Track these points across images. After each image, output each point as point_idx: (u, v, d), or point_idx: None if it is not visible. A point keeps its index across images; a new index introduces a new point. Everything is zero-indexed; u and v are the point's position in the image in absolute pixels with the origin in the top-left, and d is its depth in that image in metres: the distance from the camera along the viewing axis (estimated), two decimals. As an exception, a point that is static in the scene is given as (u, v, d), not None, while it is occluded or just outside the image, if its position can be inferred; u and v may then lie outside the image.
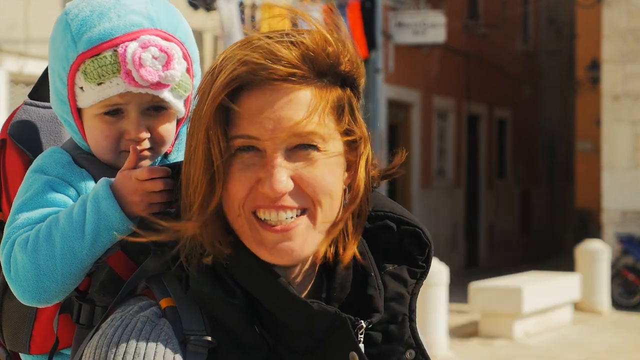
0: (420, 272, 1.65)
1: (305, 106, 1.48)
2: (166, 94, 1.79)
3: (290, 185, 1.48)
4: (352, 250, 1.58)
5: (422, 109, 20.56)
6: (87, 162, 1.83)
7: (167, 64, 1.76)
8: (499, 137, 24.60)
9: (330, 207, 1.52)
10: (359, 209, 1.58)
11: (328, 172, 1.51)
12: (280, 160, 1.47)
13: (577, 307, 15.43)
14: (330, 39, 1.51)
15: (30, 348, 1.86)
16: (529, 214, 26.31)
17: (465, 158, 22.60)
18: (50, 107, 1.96)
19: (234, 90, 1.48)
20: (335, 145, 1.52)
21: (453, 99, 21.89)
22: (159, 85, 1.76)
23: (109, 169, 1.82)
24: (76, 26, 1.78)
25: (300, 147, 1.49)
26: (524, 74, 25.44)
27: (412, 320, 1.61)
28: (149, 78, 1.74)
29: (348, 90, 1.54)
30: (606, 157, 18.08)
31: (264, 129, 1.47)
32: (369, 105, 15.71)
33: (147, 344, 1.46)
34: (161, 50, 1.76)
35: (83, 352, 1.52)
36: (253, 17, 13.50)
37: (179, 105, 1.82)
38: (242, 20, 13.26)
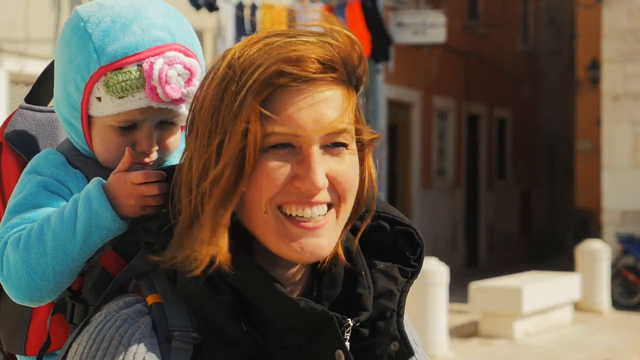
0: (412, 272, 1.66)
1: (338, 105, 1.51)
2: (184, 110, 1.81)
3: (327, 182, 1.50)
4: (340, 251, 1.60)
5: (422, 109, 20.57)
6: (82, 163, 1.84)
7: (189, 81, 1.78)
8: (499, 137, 24.61)
9: (351, 204, 1.56)
10: (359, 212, 1.61)
11: (354, 170, 1.54)
12: (318, 156, 1.49)
13: (577, 307, 15.43)
14: (356, 40, 1.54)
15: (25, 349, 1.86)
16: (529, 214, 26.31)
17: (465, 158, 22.61)
18: (47, 111, 1.97)
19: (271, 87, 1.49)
20: (354, 144, 1.55)
21: (453, 99, 21.89)
22: (180, 101, 1.79)
23: (103, 170, 1.82)
24: (99, 37, 1.77)
25: (333, 145, 1.51)
26: (524, 74, 25.44)
27: (399, 315, 1.62)
28: (173, 95, 1.76)
29: (356, 94, 1.57)
30: (606, 157, 18.08)
31: (303, 126, 1.48)
32: (369, 105, 15.72)
33: (120, 342, 1.47)
34: (185, 67, 1.77)
35: (70, 344, 1.54)
36: (252, 17, 13.49)
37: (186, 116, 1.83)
38: (241, 20, 13.26)
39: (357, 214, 1.60)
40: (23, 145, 1.91)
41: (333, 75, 1.51)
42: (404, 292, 1.63)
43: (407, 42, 18.46)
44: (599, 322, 14.95)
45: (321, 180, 1.49)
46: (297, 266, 1.57)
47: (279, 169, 1.49)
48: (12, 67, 11.14)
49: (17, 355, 1.91)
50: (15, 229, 1.75)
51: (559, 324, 14.30)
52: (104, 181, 1.73)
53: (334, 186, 1.52)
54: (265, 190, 1.49)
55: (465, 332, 13.53)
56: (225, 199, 1.49)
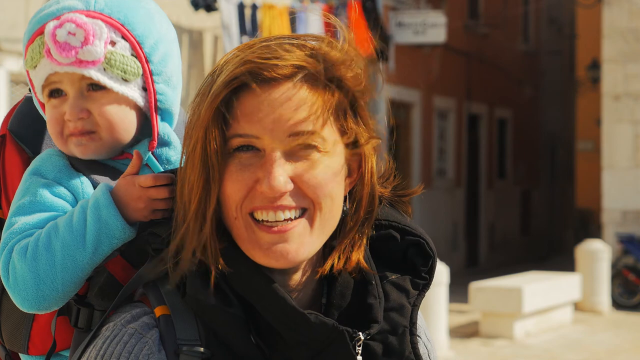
0: (423, 284, 1.62)
1: (305, 106, 1.47)
2: (94, 73, 1.74)
3: (289, 185, 1.47)
4: (355, 258, 1.56)
5: (423, 109, 20.56)
6: (84, 166, 1.82)
7: (85, 41, 1.73)
8: (500, 137, 24.60)
9: (330, 210, 1.51)
10: (363, 217, 1.56)
11: (329, 174, 1.49)
12: (279, 158, 1.46)
13: (577, 307, 15.42)
14: (335, 43, 1.51)
15: (28, 349, 1.85)
16: (529, 214, 26.30)
17: (466, 158, 22.60)
18: None
19: (234, 90, 1.47)
20: (336, 148, 1.50)
21: (453, 99, 21.88)
22: (82, 62, 1.73)
23: (106, 172, 1.81)
24: (31, 21, 1.80)
25: (300, 148, 1.48)
26: (524, 73, 25.43)
27: (412, 333, 1.58)
28: (65, 54, 1.72)
29: (351, 95, 1.52)
30: (607, 157, 18.08)
31: (263, 127, 1.46)
32: (369, 105, 15.68)
33: (128, 359, 1.46)
34: (78, 26, 1.72)
35: (79, 358, 1.53)
36: (253, 18, 13.49)
37: (118, 87, 1.76)
38: (242, 20, 13.26)
39: (359, 221, 1.56)
40: (28, 137, 1.89)
41: (301, 75, 1.47)
42: (415, 306, 1.60)
43: (407, 42, 18.45)
44: (599, 322, 14.95)
45: (279, 183, 1.45)
46: (297, 273, 1.54)
47: (242, 173, 1.47)
48: (12, 67, 11.13)
49: (20, 354, 1.89)
50: (20, 235, 1.73)
51: (559, 324, 14.29)
52: (112, 187, 1.71)
53: (303, 190, 1.48)
54: (231, 195, 1.48)
55: (465, 332, 13.53)
56: (200, 203, 1.48)
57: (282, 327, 1.49)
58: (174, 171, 1.69)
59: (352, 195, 1.56)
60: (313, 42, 1.50)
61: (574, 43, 29.60)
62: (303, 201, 1.48)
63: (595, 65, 24.33)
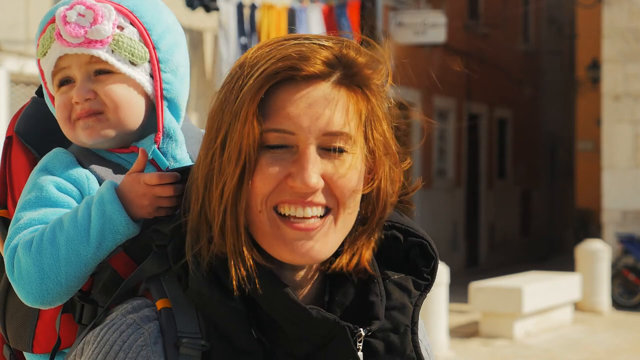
0: (425, 285, 1.63)
1: (340, 107, 1.49)
2: (102, 53, 1.79)
3: (321, 183, 1.49)
4: (365, 259, 1.57)
5: (423, 109, 20.56)
6: (92, 163, 1.83)
7: (94, 21, 1.79)
8: (500, 137, 24.60)
9: (353, 210, 1.53)
10: (377, 219, 1.58)
11: (354, 176, 1.51)
12: (314, 156, 1.48)
13: (577, 307, 15.43)
14: (365, 50, 1.54)
15: (33, 347, 1.86)
16: (529, 214, 26.30)
17: (466, 158, 22.60)
18: None
19: (271, 85, 1.49)
20: (359, 150, 1.53)
21: (453, 98, 21.89)
22: (90, 42, 1.78)
23: (113, 169, 1.82)
24: (44, 14, 1.84)
25: (332, 147, 1.50)
26: (524, 73, 25.44)
27: (414, 332, 1.59)
28: (75, 33, 1.77)
29: (373, 101, 1.55)
30: (607, 157, 18.08)
31: (300, 124, 1.48)
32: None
33: (121, 347, 1.48)
34: (87, 7, 1.78)
35: (78, 346, 1.55)
36: (252, 18, 13.49)
37: (125, 68, 1.81)
38: (240, 21, 13.25)
39: (373, 223, 1.57)
40: (34, 139, 1.91)
41: (337, 76, 1.50)
42: (417, 306, 1.61)
43: (407, 42, 18.45)
44: (599, 322, 14.95)
45: (313, 179, 1.47)
46: (305, 269, 1.55)
47: (273, 167, 1.48)
48: (12, 67, 11.14)
49: (24, 353, 1.90)
50: (26, 230, 1.74)
51: (559, 324, 14.30)
52: (117, 184, 1.72)
53: (331, 189, 1.50)
54: (259, 189, 1.48)
55: (465, 332, 13.53)
56: (234, 198, 1.49)
57: (284, 322, 1.50)
58: (179, 170, 1.70)
59: (366, 198, 1.57)
60: (338, 45, 1.52)
61: (574, 43, 29.60)
62: (330, 200, 1.50)
63: (595, 65, 24.33)
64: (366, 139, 1.54)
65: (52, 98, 1.86)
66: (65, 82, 1.82)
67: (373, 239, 1.58)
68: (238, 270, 1.49)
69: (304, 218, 1.49)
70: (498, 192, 24.29)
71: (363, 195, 1.56)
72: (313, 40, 1.52)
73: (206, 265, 1.51)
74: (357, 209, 1.55)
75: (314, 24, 13.53)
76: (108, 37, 1.78)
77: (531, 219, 26.44)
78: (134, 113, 1.82)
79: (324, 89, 1.49)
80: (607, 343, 13.06)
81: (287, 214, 1.49)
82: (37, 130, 1.92)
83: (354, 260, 1.56)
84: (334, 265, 1.56)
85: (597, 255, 15.73)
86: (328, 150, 1.50)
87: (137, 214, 1.70)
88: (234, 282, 1.49)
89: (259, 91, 1.48)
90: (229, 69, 1.56)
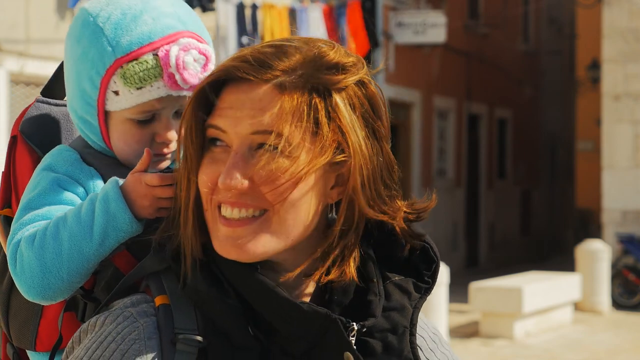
0: (425, 288, 1.63)
1: (276, 109, 1.48)
2: None
3: (243, 184, 1.48)
4: (349, 271, 1.54)
5: (423, 109, 20.57)
6: (96, 160, 1.84)
7: (205, 66, 1.79)
8: (500, 137, 24.61)
9: (291, 215, 1.50)
10: (354, 229, 1.54)
11: (289, 179, 1.48)
12: (239, 156, 1.48)
13: (577, 307, 15.43)
14: (340, 49, 1.52)
15: (36, 345, 1.86)
16: (529, 214, 26.31)
17: (466, 158, 22.61)
18: (63, 105, 1.96)
19: (219, 86, 1.51)
20: (307, 154, 1.49)
21: (453, 98, 21.89)
22: (192, 87, 1.79)
23: (117, 167, 1.83)
24: (111, 29, 1.77)
25: (264, 147, 1.48)
26: (524, 73, 25.44)
27: (412, 334, 1.59)
28: (192, 80, 1.76)
29: (331, 105, 1.50)
30: (606, 157, 18.09)
31: (230, 122, 1.49)
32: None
33: (114, 339, 1.49)
34: (200, 52, 1.78)
35: (75, 334, 1.56)
36: (254, 18, 13.49)
37: None
38: (241, 21, 13.25)
39: (354, 232, 1.54)
40: (38, 139, 1.90)
41: (276, 78, 1.48)
42: (416, 309, 1.61)
43: (407, 42, 18.46)
44: (599, 322, 14.95)
45: (230, 180, 1.47)
46: (286, 271, 1.54)
47: (210, 166, 1.51)
48: (12, 67, 11.14)
49: (27, 351, 1.91)
50: (29, 226, 1.75)
51: (559, 324, 14.30)
52: (122, 181, 1.73)
53: (261, 191, 1.48)
54: (201, 187, 1.52)
55: (465, 332, 13.54)
56: (187, 192, 1.53)
57: (278, 320, 1.50)
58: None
59: (339, 207, 1.54)
60: (300, 47, 1.51)
61: (574, 43, 29.61)
62: (262, 202, 1.49)
63: (595, 65, 24.34)
64: (320, 141, 1.49)
65: (102, 114, 1.81)
66: (152, 119, 1.80)
67: (352, 251, 1.55)
68: (216, 266, 1.52)
69: (231, 217, 1.50)
70: (498, 192, 24.29)
71: (337, 203, 1.54)
72: (270, 44, 1.52)
73: (196, 261, 1.53)
74: (307, 215, 1.51)
75: (314, 23, 13.54)
76: None
77: (531, 219, 26.45)
78: None
79: (263, 91, 1.49)
80: (607, 343, 13.06)
81: (223, 214, 1.51)
82: (41, 130, 1.91)
83: (336, 273, 1.53)
84: (313, 276, 1.54)
85: (597, 255, 15.73)
86: (261, 149, 1.48)
87: (139, 213, 1.71)
88: (182, 270, 1.52)
89: (200, 89, 1.51)
90: None
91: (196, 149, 1.51)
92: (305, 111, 1.49)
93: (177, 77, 1.76)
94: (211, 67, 1.79)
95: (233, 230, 1.49)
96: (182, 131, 1.53)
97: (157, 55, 1.77)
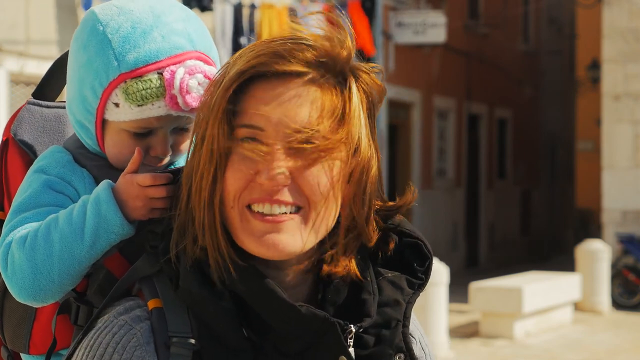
0: (419, 284, 1.63)
1: (312, 105, 1.49)
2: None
3: (287, 179, 1.48)
4: (352, 265, 1.56)
5: (423, 109, 20.57)
6: (89, 161, 1.83)
7: (206, 90, 1.78)
8: (500, 137, 24.60)
9: (326, 210, 1.51)
10: (360, 224, 1.56)
11: (327, 175, 1.50)
12: (280, 152, 1.48)
13: (577, 307, 15.43)
14: (349, 43, 1.53)
15: (29, 348, 1.86)
16: (529, 214, 26.31)
17: (466, 158, 22.61)
18: (54, 107, 1.95)
19: (245, 82, 1.50)
20: (336, 150, 1.51)
21: (453, 98, 21.89)
22: (194, 109, 1.77)
23: (110, 168, 1.82)
24: (119, 43, 1.75)
25: (302, 145, 1.49)
26: (524, 73, 25.44)
27: (405, 326, 1.60)
28: (193, 104, 1.75)
29: (356, 100, 1.53)
30: (607, 157, 18.09)
31: (269, 121, 1.48)
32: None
33: (114, 349, 1.48)
34: (205, 76, 1.75)
35: (74, 349, 1.55)
36: (251, 18, 13.48)
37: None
38: (239, 21, 13.24)
39: (360, 227, 1.56)
40: (29, 142, 1.90)
41: (313, 75, 1.50)
42: (409, 304, 1.61)
43: (407, 42, 18.45)
44: (599, 322, 14.95)
45: (277, 175, 1.47)
46: (291, 270, 1.55)
47: (243, 163, 1.49)
48: (12, 67, 11.14)
49: (21, 354, 1.90)
50: (20, 227, 1.74)
51: (559, 324, 14.30)
52: (114, 184, 1.72)
53: (300, 187, 1.49)
54: (231, 185, 1.49)
55: (465, 332, 13.54)
56: (210, 194, 1.50)
57: (275, 321, 1.50)
58: (172, 170, 1.70)
59: (348, 202, 1.55)
60: (324, 41, 1.52)
61: (574, 43, 29.61)
62: (299, 198, 1.50)
63: (595, 65, 24.34)
64: (347, 137, 1.51)
65: (100, 121, 1.80)
66: (149, 132, 1.79)
67: (358, 244, 1.57)
68: (218, 265, 1.50)
69: (270, 213, 1.49)
70: (498, 192, 24.29)
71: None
72: (294, 40, 1.52)
73: (191, 261, 1.51)
74: (335, 210, 1.53)
75: (314, 23, 13.50)
76: None
77: (531, 219, 26.44)
78: None
79: (295, 86, 1.49)
80: (607, 343, 13.06)
81: (257, 211, 1.49)
82: (31, 133, 1.91)
83: (339, 266, 1.55)
84: (322, 272, 1.55)
85: (597, 255, 15.73)
86: (297, 147, 1.49)
87: (132, 215, 1.69)
88: (215, 275, 1.49)
89: (229, 88, 1.49)
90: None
91: (226, 149, 1.49)
92: (338, 107, 1.51)
93: (180, 99, 1.75)
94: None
95: (272, 226, 1.48)
96: (210, 133, 1.49)
97: (162, 74, 1.75)
